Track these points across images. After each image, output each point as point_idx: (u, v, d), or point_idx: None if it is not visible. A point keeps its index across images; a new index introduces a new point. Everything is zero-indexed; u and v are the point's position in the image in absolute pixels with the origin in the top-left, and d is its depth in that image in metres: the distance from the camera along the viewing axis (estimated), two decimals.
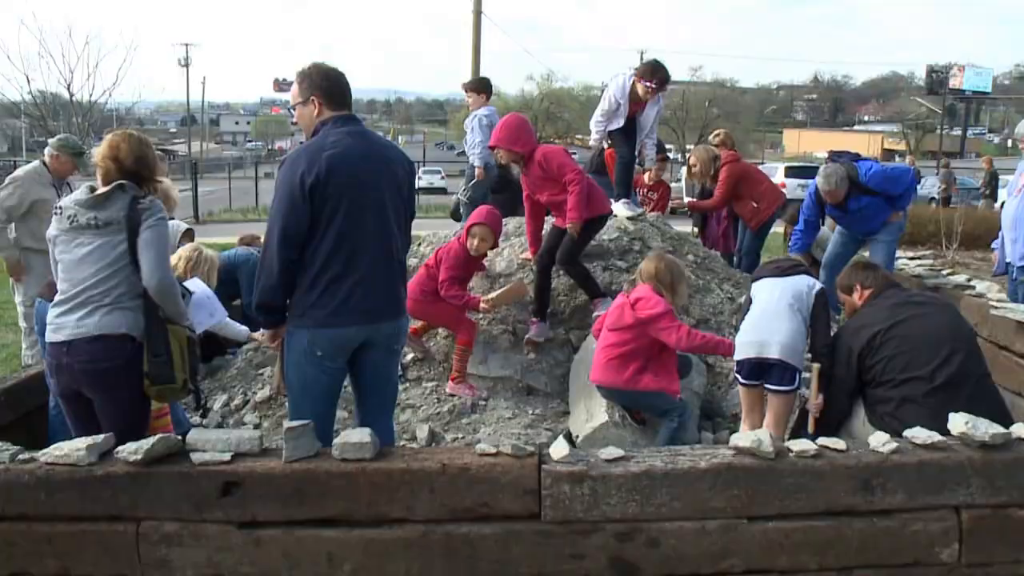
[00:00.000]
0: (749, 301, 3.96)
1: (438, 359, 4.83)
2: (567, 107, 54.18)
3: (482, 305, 4.61)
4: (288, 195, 3.10)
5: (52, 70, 14.80)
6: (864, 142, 62.85)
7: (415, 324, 4.87)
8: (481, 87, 7.04)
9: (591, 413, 4.13)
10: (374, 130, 3.95)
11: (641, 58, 62.11)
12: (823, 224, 6.50)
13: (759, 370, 3.76)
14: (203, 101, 65.33)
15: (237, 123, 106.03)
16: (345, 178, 3.11)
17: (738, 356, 3.80)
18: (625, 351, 3.98)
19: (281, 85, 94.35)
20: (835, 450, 2.84)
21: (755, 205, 6.90)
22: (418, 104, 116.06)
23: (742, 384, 3.86)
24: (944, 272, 6.54)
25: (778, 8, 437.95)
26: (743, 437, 2.84)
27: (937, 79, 52.09)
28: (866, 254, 6.33)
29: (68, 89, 14.70)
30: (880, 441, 2.85)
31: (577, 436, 4.12)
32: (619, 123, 5.87)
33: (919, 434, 2.87)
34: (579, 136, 58.10)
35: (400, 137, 46.62)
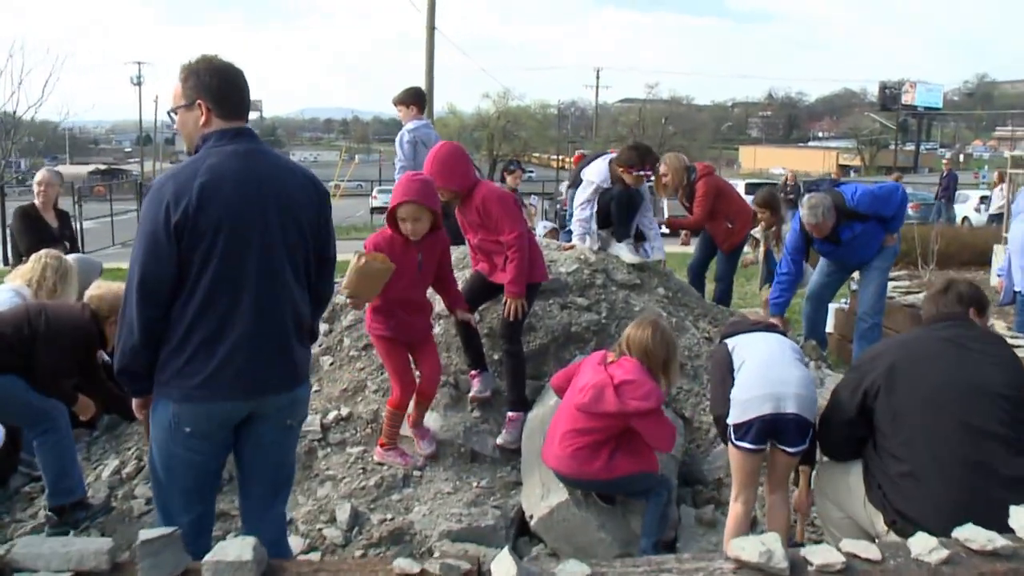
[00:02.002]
0: (728, 356, 3.21)
1: (366, 419, 3.98)
2: (524, 125, 53.78)
3: (348, 301, 3.68)
4: (150, 234, 2.40)
5: None
6: (819, 158, 63.70)
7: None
8: (410, 99, 6.22)
9: (547, 487, 3.39)
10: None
11: (598, 76, 62.32)
12: (807, 262, 5.76)
13: (770, 430, 3.05)
14: (155, 120, 63.46)
15: None
16: (221, 212, 2.40)
17: (745, 416, 3.04)
18: (597, 439, 3.27)
19: None
20: (867, 560, 2.15)
21: (730, 226, 6.29)
22: (375, 123, 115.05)
23: (746, 450, 3.09)
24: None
25: (733, 27, 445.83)
26: (746, 545, 2.13)
27: (890, 95, 53.03)
28: (854, 283, 5.73)
29: None
30: (925, 548, 2.17)
31: (531, 516, 3.38)
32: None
33: (976, 536, 2.20)
34: (535, 154, 57.80)
35: (356, 156, 45.79)
